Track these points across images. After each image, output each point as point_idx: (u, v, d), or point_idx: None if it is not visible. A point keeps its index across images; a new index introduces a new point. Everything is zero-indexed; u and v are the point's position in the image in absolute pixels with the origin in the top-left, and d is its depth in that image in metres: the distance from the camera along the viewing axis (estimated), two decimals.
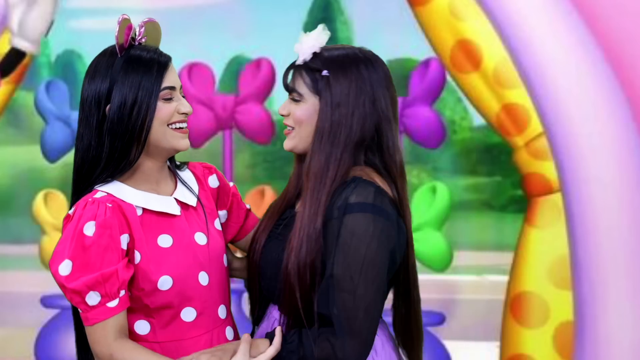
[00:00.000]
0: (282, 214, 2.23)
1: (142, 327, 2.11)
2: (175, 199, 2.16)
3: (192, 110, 2.14)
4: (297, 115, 2.13)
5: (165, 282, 2.07)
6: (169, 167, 2.23)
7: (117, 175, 2.10)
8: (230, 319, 2.25)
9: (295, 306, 2.06)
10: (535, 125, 3.80)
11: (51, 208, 4.98)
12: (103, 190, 2.07)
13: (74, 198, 2.11)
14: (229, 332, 2.21)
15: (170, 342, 2.11)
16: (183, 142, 2.13)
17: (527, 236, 3.89)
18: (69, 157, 5.13)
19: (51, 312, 4.92)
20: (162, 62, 2.09)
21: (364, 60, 2.13)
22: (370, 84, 2.11)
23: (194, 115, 4.72)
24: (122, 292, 2.03)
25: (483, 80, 3.85)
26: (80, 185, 2.10)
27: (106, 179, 2.09)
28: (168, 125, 2.10)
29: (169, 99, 2.10)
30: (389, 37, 11.50)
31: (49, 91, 5.00)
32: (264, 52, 5.21)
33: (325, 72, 2.10)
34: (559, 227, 3.76)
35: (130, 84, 2.06)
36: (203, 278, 2.14)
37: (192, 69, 4.95)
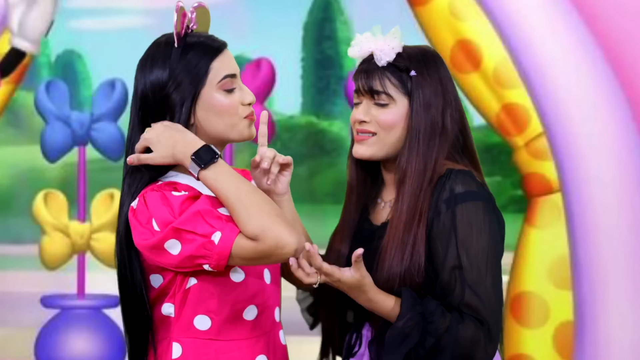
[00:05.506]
0: (354, 232, 2.12)
1: (203, 322, 1.95)
2: None
3: (255, 98, 2.00)
4: (387, 120, 2.02)
5: (237, 275, 1.94)
6: None
7: (174, 168, 1.96)
8: (281, 323, 2.08)
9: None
10: (535, 125, 3.80)
11: (51, 208, 4.98)
12: (170, 179, 1.94)
13: (126, 195, 1.95)
14: (282, 336, 2.06)
15: (230, 341, 1.96)
16: (250, 131, 1.99)
17: (527, 236, 3.89)
18: (69, 157, 5.14)
19: (51, 312, 4.91)
20: (220, 49, 1.96)
21: (439, 58, 2.07)
22: (450, 82, 2.06)
23: None
24: None
25: (483, 81, 3.85)
26: (133, 182, 1.95)
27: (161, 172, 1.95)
28: (244, 117, 1.97)
29: (231, 90, 1.96)
30: None
31: (49, 91, 5.00)
32: (264, 52, 5.21)
33: (413, 72, 2.01)
34: (559, 227, 3.76)
35: (191, 75, 1.93)
36: (267, 275, 2.00)
37: None
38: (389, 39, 2.03)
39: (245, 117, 1.97)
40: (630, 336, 3.66)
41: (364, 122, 2.04)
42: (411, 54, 2.04)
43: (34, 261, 5.18)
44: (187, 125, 1.94)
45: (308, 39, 14.19)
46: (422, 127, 2.00)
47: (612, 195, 3.63)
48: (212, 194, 1.90)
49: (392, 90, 2.02)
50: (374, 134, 2.04)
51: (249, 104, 1.97)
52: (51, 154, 4.98)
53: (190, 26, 1.97)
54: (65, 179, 9.09)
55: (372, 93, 2.03)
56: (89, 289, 4.95)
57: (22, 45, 4.55)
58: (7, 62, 4.57)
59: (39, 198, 4.99)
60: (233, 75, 1.95)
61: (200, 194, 1.90)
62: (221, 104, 1.94)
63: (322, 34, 14.17)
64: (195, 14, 1.97)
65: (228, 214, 1.86)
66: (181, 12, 1.94)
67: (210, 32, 2.06)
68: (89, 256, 4.96)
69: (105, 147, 4.96)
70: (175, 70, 1.93)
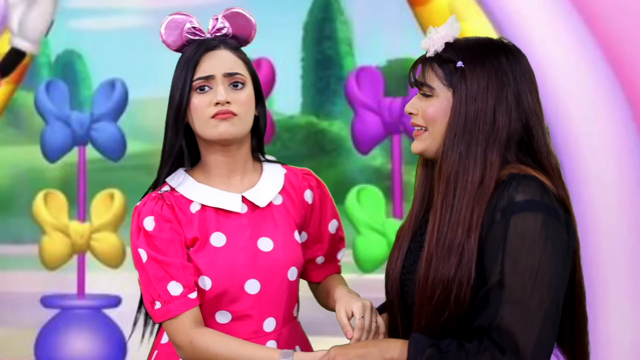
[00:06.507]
0: (415, 230, 2.00)
1: None
2: (244, 196, 2.06)
3: (226, 97, 2.01)
4: (430, 113, 1.90)
5: (205, 283, 2.01)
6: (261, 161, 2.15)
7: (188, 168, 2.09)
8: (278, 333, 2.08)
9: (432, 324, 1.84)
10: None
11: (51, 208, 4.98)
12: (170, 184, 2.06)
13: (150, 190, 2.11)
14: (270, 345, 2.06)
15: None
16: (218, 130, 2.02)
17: None
18: (69, 157, 5.14)
19: (51, 312, 4.91)
20: (199, 52, 2.04)
21: (504, 50, 1.92)
22: (513, 75, 1.89)
23: None
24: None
25: None
26: (157, 180, 2.10)
27: (176, 172, 2.08)
28: (211, 117, 2.02)
29: (202, 90, 2.03)
30: (389, 37, 11.49)
31: (49, 91, 5.00)
32: (264, 52, 5.21)
33: (460, 64, 1.88)
34: None
35: (174, 80, 2.06)
36: (252, 286, 2.03)
37: None
38: (442, 28, 1.93)
39: (212, 117, 2.02)
40: (630, 336, 3.66)
41: (412, 114, 1.95)
42: (464, 44, 1.92)
43: (34, 261, 5.18)
44: (184, 124, 2.06)
45: (308, 39, 14.19)
46: (461, 122, 1.86)
47: (612, 195, 3.64)
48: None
49: (435, 82, 1.90)
50: (426, 129, 1.93)
51: (217, 104, 2.01)
52: (51, 154, 4.98)
53: (211, 32, 2.08)
54: (65, 179, 9.09)
55: (417, 84, 1.95)
56: (89, 289, 4.95)
57: (22, 45, 4.55)
58: (7, 62, 4.58)
59: (39, 198, 4.99)
60: (207, 77, 2.03)
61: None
62: (193, 105, 2.03)
63: (322, 34, 14.16)
64: (218, 20, 2.09)
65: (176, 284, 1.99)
66: (175, 25, 2.07)
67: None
68: (89, 256, 4.96)
69: (105, 147, 4.96)
70: (175, 75, 2.06)
